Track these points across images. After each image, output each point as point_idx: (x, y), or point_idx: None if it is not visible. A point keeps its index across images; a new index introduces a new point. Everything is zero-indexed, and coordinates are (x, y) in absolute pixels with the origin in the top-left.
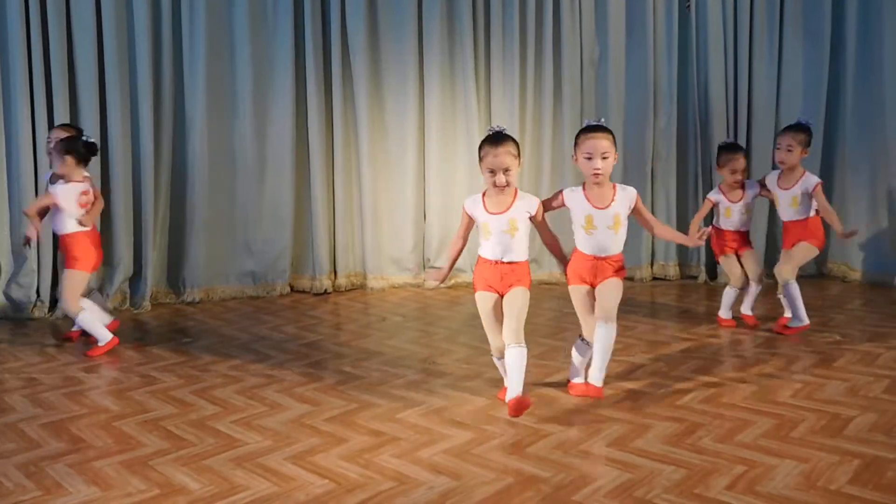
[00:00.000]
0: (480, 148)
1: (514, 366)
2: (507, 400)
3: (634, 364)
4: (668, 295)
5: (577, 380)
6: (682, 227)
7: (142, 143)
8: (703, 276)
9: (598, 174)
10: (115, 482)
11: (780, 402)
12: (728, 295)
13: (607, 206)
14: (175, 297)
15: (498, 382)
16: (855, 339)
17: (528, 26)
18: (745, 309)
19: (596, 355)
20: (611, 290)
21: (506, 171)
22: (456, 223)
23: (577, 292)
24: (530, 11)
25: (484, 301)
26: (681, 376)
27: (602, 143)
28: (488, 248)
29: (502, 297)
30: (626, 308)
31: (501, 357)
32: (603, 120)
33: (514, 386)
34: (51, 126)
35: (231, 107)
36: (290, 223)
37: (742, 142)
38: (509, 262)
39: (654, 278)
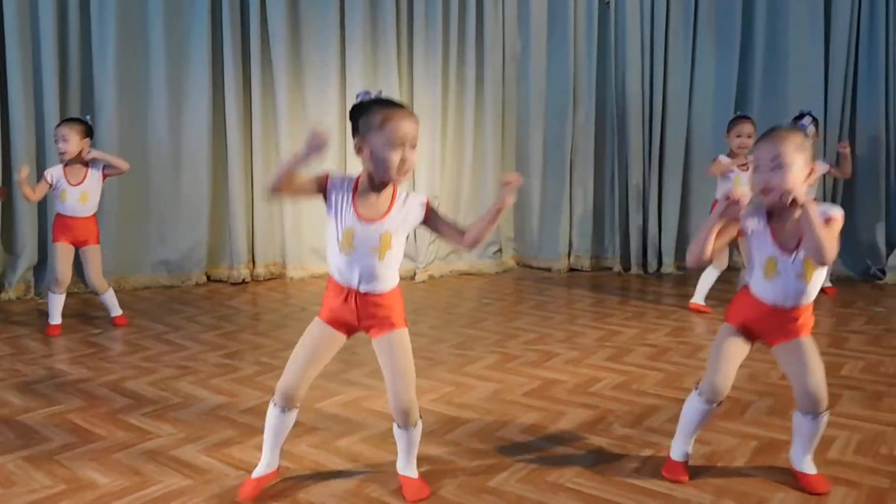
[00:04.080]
0: (364, 114)
1: (408, 445)
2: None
3: (551, 353)
4: (581, 286)
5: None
6: (598, 216)
7: (47, 130)
8: (617, 268)
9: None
10: (18, 478)
11: (687, 388)
12: (710, 278)
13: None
14: (84, 287)
15: (420, 370)
16: None
17: (451, 19)
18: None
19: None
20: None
21: (413, 148)
22: None
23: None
24: (453, 4)
25: (317, 334)
26: (592, 364)
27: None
28: (340, 268)
29: (349, 336)
30: (545, 299)
31: (287, 408)
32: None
33: (408, 467)
34: None
35: (144, 94)
36: (207, 212)
37: (656, 137)
38: (370, 294)
39: (571, 269)
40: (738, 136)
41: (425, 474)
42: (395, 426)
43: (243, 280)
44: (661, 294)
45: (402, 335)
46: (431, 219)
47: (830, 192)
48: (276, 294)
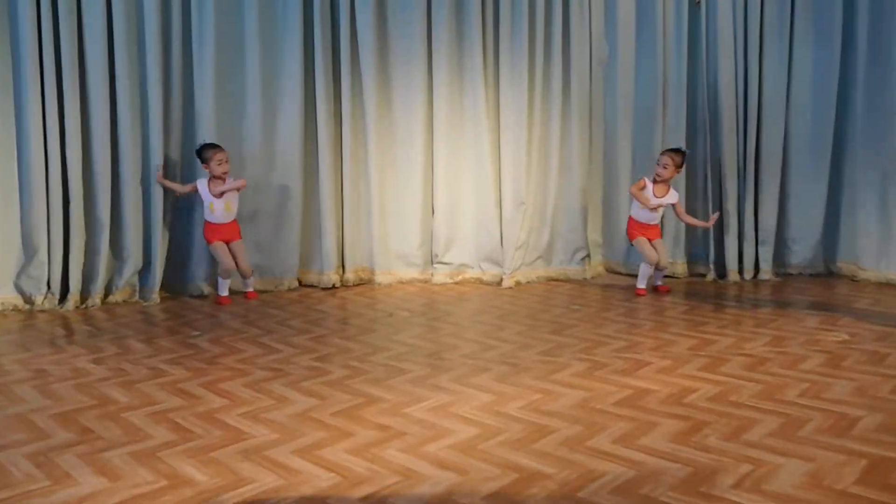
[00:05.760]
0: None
1: None
2: None
3: (643, 361)
4: (674, 293)
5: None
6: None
7: (151, 138)
8: (711, 274)
9: None
10: (123, 473)
11: (787, 401)
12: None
13: None
14: (184, 291)
15: (506, 376)
16: (863, 338)
17: (537, 24)
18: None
19: None
20: None
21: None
22: (463, 219)
23: None
24: (539, 9)
25: None
26: (686, 374)
27: None
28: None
29: None
30: (633, 305)
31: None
32: None
33: None
34: (61, 119)
35: (240, 101)
36: (299, 218)
37: (751, 139)
38: None
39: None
40: (665, 167)
41: (513, 483)
42: None
43: (333, 285)
44: (758, 302)
45: None
46: None
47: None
48: (364, 299)
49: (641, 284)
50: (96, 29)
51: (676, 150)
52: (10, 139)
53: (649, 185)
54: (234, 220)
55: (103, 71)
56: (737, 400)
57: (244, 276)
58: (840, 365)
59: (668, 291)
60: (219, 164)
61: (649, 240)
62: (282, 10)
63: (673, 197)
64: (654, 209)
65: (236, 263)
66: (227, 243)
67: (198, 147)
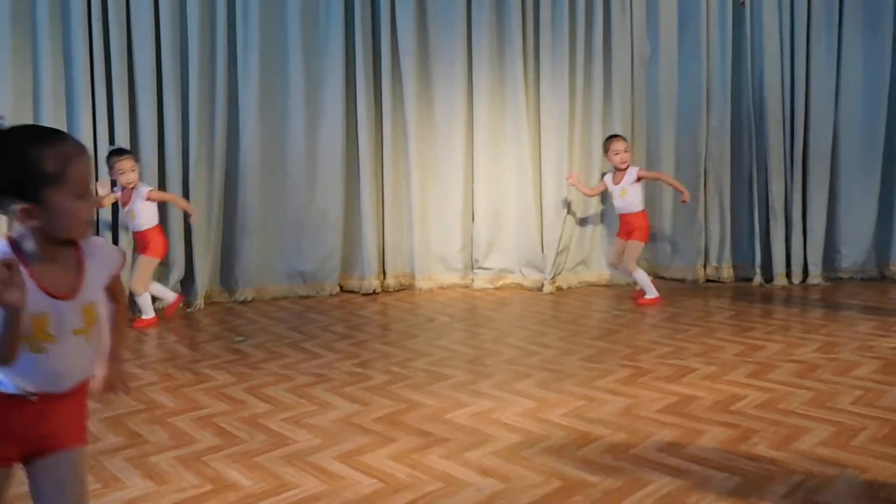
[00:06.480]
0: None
1: None
2: None
3: (688, 368)
4: (720, 297)
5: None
6: (736, 224)
7: (195, 146)
8: (758, 278)
9: None
10: (169, 477)
11: (839, 409)
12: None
13: None
14: (227, 297)
15: (549, 382)
16: None
17: (578, 27)
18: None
19: None
20: None
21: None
22: (504, 223)
23: None
24: (580, 10)
25: None
26: (733, 381)
27: None
28: (31, 373)
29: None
30: (677, 310)
31: None
32: None
33: None
34: (111, 129)
35: (282, 107)
36: (340, 223)
37: (799, 140)
38: (62, 396)
39: (708, 280)
40: (617, 154)
41: (556, 491)
42: None
43: (374, 291)
44: (807, 306)
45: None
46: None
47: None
48: (404, 304)
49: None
50: (144, 42)
51: (616, 136)
52: None
53: (608, 180)
54: (145, 232)
55: (151, 83)
56: (786, 407)
57: (130, 292)
58: (895, 372)
59: (637, 300)
60: (121, 174)
61: (625, 240)
62: (324, 16)
63: (632, 174)
64: (620, 197)
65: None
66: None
67: (107, 153)
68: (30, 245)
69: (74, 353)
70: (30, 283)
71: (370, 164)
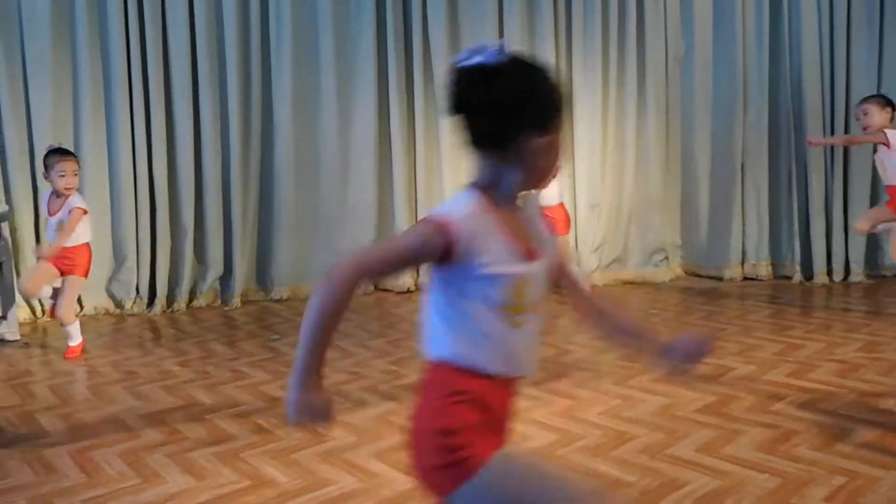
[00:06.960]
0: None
1: None
2: None
3: (725, 367)
4: (757, 296)
5: None
6: (774, 221)
7: (231, 147)
8: (797, 276)
9: None
10: (208, 472)
11: (883, 410)
12: None
13: None
14: (264, 295)
15: (585, 381)
16: None
17: (611, 18)
18: None
19: None
20: None
21: None
22: None
23: None
24: (612, 9)
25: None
26: (772, 380)
27: None
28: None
29: None
30: (714, 308)
31: None
32: None
33: None
34: (148, 133)
35: (315, 108)
36: (374, 221)
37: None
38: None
39: (745, 278)
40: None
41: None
42: None
43: (408, 289)
44: (849, 305)
45: None
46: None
47: None
48: None
49: None
50: (180, 45)
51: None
52: (102, 154)
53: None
54: (75, 249)
55: (187, 85)
56: (828, 408)
57: (60, 322)
58: None
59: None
60: (61, 176)
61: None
62: (355, 16)
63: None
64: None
65: (56, 300)
66: (62, 273)
67: (45, 151)
68: (503, 193)
69: (535, 331)
70: (503, 241)
71: (403, 162)
